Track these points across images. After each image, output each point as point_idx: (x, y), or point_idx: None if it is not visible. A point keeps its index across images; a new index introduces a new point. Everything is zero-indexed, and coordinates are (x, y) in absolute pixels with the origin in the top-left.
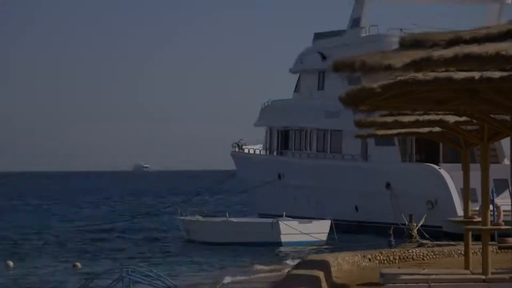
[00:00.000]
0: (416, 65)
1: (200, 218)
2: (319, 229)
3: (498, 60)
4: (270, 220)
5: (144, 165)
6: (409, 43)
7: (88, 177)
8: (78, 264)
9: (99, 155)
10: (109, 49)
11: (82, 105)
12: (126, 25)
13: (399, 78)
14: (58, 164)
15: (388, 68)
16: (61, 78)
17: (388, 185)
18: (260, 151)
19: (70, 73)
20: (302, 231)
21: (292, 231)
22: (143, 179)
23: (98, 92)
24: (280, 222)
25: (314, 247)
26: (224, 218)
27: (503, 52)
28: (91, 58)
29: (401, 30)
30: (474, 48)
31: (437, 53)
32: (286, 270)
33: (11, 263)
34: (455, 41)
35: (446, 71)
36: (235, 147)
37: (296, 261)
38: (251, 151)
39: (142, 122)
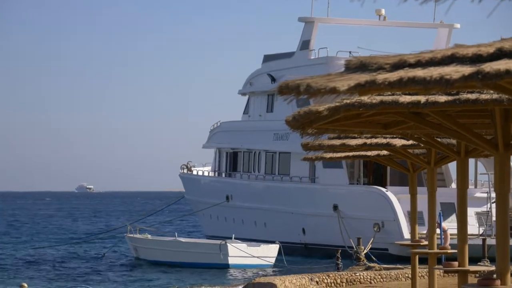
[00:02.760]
0: (361, 88)
1: (148, 236)
2: (268, 253)
3: (442, 84)
4: (218, 241)
5: (88, 186)
6: (354, 66)
7: (31, 197)
8: (25, 285)
9: (42, 175)
10: (55, 67)
11: (28, 123)
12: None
13: (345, 101)
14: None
15: (333, 91)
16: (7, 93)
17: (335, 208)
18: (208, 173)
19: (15, 89)
20: (251, 254)
21: (240, 253)
22: (87, 200)
23: (45, 110)
24: (228, 244)
25: (262, 270)
26: (172, 238)
27: (447, 76)
28: (37, 73)
29: (350, 52)
30: (419, 72)
31: (381, 76)
32: None
33: None
34: (400, 64)
35: (393, 94)
36: (183, 168)
37: (243, 284)
38: (200, 173)
39: (87, 142)
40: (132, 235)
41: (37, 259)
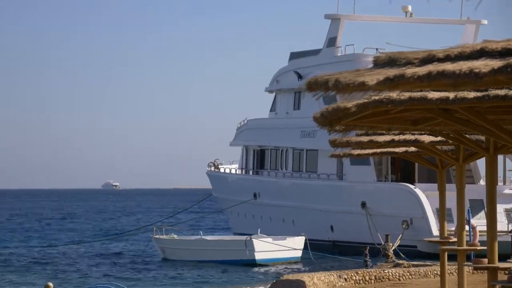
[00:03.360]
0: (389, 82)
1: (175, 236)
2: (294, 246)
3: (471, 78)
4: (244, 237)
5: (114, 183)
6: (383, 61)
7: (58, 195)
8: (51, 285)
9: (68, 173)
10: (77, 66)
11: (54, 121)
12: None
13: (373, 97)
14: (26, 181)
15: (362, 85)
16: (29, 92)
17: (363, 205)
18: (236, 171)
19: (40, 88)
20: (277, 248)
21: (267, 248)
22: (113, 197)
23: (71, 109)
24: (253, 239)
25: (289, 264)
26: (198, 237)
27: (477, 70)
28: (63, 74)
29: (376, 49)
30: (448, 66)
31: (410, 70)
32: None
33: None
34: (429, 59)
35: (421, 91)
36: (211, 166)
37: (272, 281)
38: (227, 171)
39: (114, 140)
40: (158, 236)
41: (65, 257)
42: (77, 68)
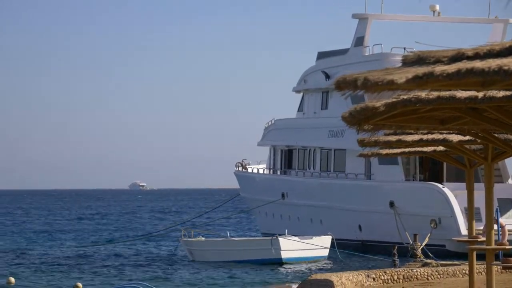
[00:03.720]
0: (418, 80)
1: (202, 238)
2: (320, 245)
3: (500, 75)
4: (270, 237)
5: (140, 184)
6: (411, 60)
7: (84, 195)
8: (80, 285)
9: (96, 173)
10: (103, 64)
11: (79, 122)
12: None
13: (402, 97)
14: (53, 182)
15: (391, 83)
16: (54, 92)
17: (392, 204)
18: (263, 171)
19: (70, 90)
20: (303, 247)
21: (293, 247)
22: (141, 197)
23: (97, 109)
24: (280, 238)
25: (316, 263)
26: (225, 237)
27: (506, 67)
28: (87, 75)
29: (404, 48)
30: (477, 64)
31: (439, 68)
32: None
33: (12, 280)
34: (458, 57)
35: (449, 90)
36: (238, 166)
37: (300, 281)
38: (255, 171)
39: (140, 140)
40: (186, 238)
41: (95, 257)
42: (100, 67)
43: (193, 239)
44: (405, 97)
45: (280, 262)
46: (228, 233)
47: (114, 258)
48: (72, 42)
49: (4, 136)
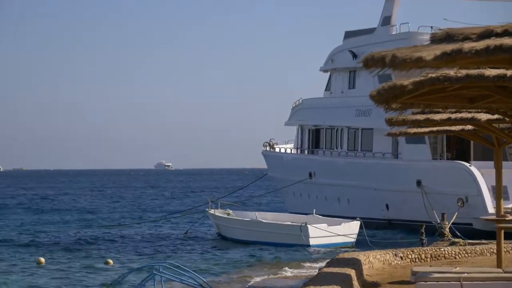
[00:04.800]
0: (447, 57)
1: (230, 212)
2: (349, 231)
3: None
4: (299, 222)
5: (166, 163)
6: (440, 37)
7: (112, 174)
8: (110, 261)
9: (121, 153)
10: (135, 49)
11: (106, 103)
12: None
13: (430, 75)
14: (82, 162)
15: (419, 61)
16: (85, 78)
17: (419, 183)
18: (291, 150)
19: (96, 73)
20: (331, 234)
21: (321, 233)
22: (167, 177)
23: (125, 90)
24: (309, 226)
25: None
26: (253, 218)
27: None
28: (114, 58)
29: (431, 27)
30: (506, 40)
31: (468, 45)
32: (318, 269)
33: (42, 260)
34: (487, 34)
35: (478, 68)
36: (266, 146)
37: (327, 260)
38: (282, 150)
39: (166, 120)
40: (213, 211)
41: (121, 236)
42: (130, 44)
43: (221, 213)
44: (433, 75)
45: (308, 247)
46: (256, 214)
47: (142, 237)
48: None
49: (29, 114)
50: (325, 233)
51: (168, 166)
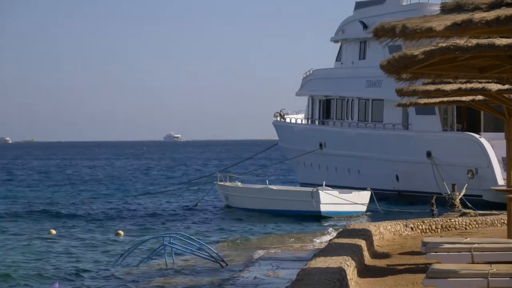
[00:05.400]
0: (457, 27)
1: (239, 184)
2: (359, 200)
3: None
4: (310, 189)
5: (175, 135)
6: (450, 7)
7: (119, 146)
8: (121, 232)
9: (129, 125)
10: (135, 22)
11: (117, 73)
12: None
13: (440, 44)
14: (90, 134)
15: (429, 31)
16: (96, 53)
17: (429, 154)
18: (301, 121)
19: (103, 47)
20: (342, 201)
21: (332, 200)
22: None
23: (132, 63)
24: (320, 191)
25: (354, 217)
26: (263, 186)
27: None
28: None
29: None
30: None
31: (478, 15)
32: (328, 239)
33: (53, 231)
34: (497, 4)
35: (489, 37)
36: (277, 116)
37: (338, 230)
38: (293, 120)
39: (174, 92)
40: (222, 183)
41: (131, 208)
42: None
43: (230, 184)
44: (443, 45)
45: (318, 215)
46: (267, 181)
47: (151, 208)
48: None
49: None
50: (336, 200)
51: (177, 137)
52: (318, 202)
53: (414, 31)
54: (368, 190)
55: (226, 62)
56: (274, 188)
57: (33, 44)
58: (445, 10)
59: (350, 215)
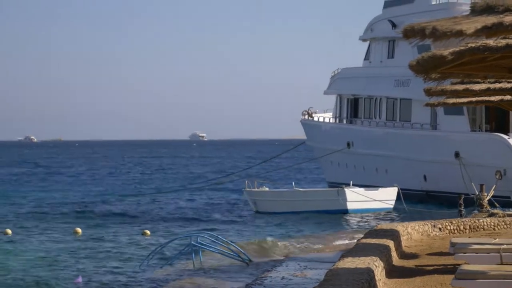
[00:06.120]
0: (487, 30)
1: (266, 189)
2: (386, 196)
3: None
4: (336, 187)
5: (200, 134)
6: (480, 8)
7: (145, 146)
8: (148, 232)
9: (156, 124)
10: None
11: (142, 73)
12: None
13: (470, 45)
14: (114, 133)
15: (459, 33)
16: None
17: (457, 155)
18: (329, 119)
19: (134, 51)
20: (369, 199)
21: (359, 198)
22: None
23: (158, 62)
24: (346, 189)
25: (381, 214)
26: (290, 188)
27: None
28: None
29: None
30: None
31: (509, 18)
32: (356, 239)
33: (79, 231)
34: None
35: None
36: (305, 115)
37: (366, 230)
38: (321, 119)
39: (200, 91)
40: (250, 189)
41: (158, 206)
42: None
43: (258, 190)
44: (473, 45)
45: (345, 212)
46: (293, 183)
47: (176, 208)
48: None
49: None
50: (363, 197)
51: (202, 136)
52: (344, 200)
53: (444, 33)
54: (395, 186)
55: (252, 60)
56: (301, 189)
57: (62, 44)
58: (475, 10)
59: (377, 212)
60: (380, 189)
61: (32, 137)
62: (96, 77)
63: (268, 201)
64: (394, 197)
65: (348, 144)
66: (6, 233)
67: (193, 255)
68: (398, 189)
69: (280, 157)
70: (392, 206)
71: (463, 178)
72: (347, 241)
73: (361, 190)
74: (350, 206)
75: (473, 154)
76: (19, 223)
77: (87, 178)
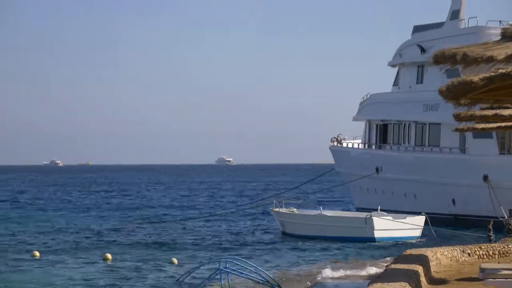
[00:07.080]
0: None
1: (294, 210)
2: (414, 225)
3: None
4: (363, 215)
5: (227, 159)
6: (511, 34)
7: (171, 170)
8: (175, 260)
9: (182, 148)
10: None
11: (169, 97)
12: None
13: (500, 70)
14: (143, 157)
15: (490, 59)
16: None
17: (485, 178)
18: (358, 145)
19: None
20: (396, 227)
21: (386, 226)
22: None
23: (187, 85)
24: (374, 218)
25: (409, 243)
26: (318, 212)
27: None
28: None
29: (500, 22)
30: None
31: None
32: (385, 265)
33: (109, 257)
34: None
35: None
36: (334, 141)
37: (394, 256)
38: (350, 145)
39: (227, 116)
40: (277, 209)
41: (185, 232)
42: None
43: (285, 211)
44: (503, 71)
45: (373, 241)
46: (321, 208)
47: (204, 233)
48: None
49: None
50: (390, 225)
51: (229, 161)
52: (372, 228)
53: (475, 59)
54: (422, 215)
55: (279, 85)
56: (328, 214)
57: (83, 67)
58: (506, 35)
59: (404, 241)
60: (408, 218)
61: (58, 161)
62: (123, 103)
63: (295, 224)
64: (422, 226)
65: (377, 169)
66: (34, 256)
67: (221, 280)
68: (426, 218)
69: (310, 182)
70: (419, 235)
71: (492, 201)
72: (375, 268)
73: (389, 217)
74: (377, 234)
75: (501, 177)
76: (48, 245)
77: (135, 201)
